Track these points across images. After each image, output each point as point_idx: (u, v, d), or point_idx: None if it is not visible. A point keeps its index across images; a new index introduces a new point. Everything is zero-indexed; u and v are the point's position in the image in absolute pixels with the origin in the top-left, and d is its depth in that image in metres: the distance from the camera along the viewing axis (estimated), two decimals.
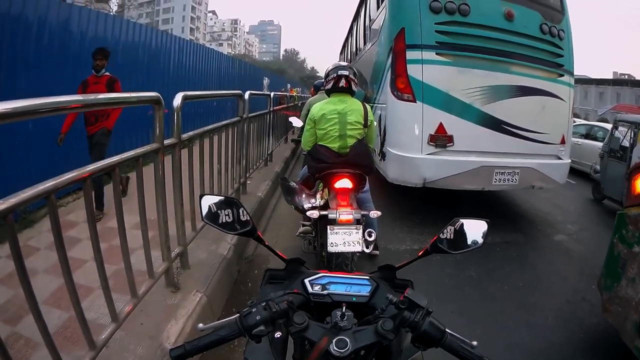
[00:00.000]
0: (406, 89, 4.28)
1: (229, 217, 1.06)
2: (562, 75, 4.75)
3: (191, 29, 67.39)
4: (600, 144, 7.65)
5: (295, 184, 2.90)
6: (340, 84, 2.93)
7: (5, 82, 3.68)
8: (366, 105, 3.05)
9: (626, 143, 6.07)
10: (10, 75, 3.77)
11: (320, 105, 3.00)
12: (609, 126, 7.79)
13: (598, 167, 6.88)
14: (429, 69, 4.25)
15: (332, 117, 2.91)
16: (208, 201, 1.08)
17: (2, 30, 3.70)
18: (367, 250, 2.48)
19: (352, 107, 2.93)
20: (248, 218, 1.07)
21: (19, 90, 3.74)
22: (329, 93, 3.06)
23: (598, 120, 15.36)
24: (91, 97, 1.61)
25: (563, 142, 4.78)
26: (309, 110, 3.31)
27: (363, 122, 2.93)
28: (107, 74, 3.93)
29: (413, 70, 4.26)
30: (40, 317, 1.30)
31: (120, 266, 1.93)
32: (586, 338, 2.67)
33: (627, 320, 2.17)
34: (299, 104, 10.73)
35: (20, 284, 1.24)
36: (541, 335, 2.63)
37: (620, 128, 6.60)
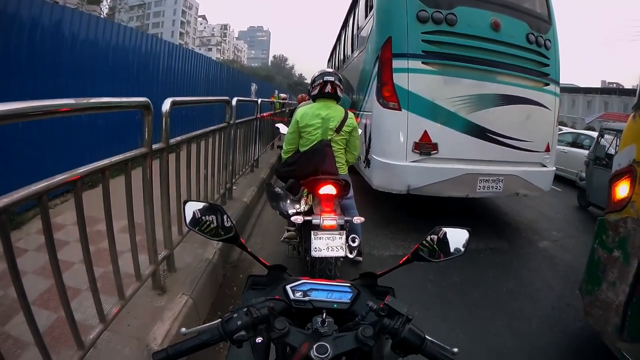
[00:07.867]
0: (392, 97, 4.31)
1: (213, 223, 1.07)
2: (547, 85, 4.80)
3: (181, 34, 67.17)
4: (586, 152, 7.67)
5: (280, 190, 2.93)
6: (327, 90, 3.01)
7: None
8: (349, 113, 3.10)
9: (612, 151, 6.15)
10: (1, 75, 3.70)
11: (305, 110, 3.06)
12: (595, 134, 7.88)
13: (584, 175, 6.95)
14: (415, 78, 4.28)
15: (314, 122, 2.98)
16: (192, 207, 1.09)
17: None
18: (350, 256, 2.49)
19: (335, 113, 3.01)
20: (231, 224, 1.08)
21: (11, 90, 3.69)
22: (314, 99, 3.11)
23: (585, 129, 15.54)
24: (83, 101, 1.62)
25: (548, 150, 4.83)
26: None
27: (337, 127, 2.99)
28: None
29: (399, 79, 4.30)
30: (32, 316, 1.32)
31: (108, 268, 1.96)
32: (570, 343, 2.71)
33: (608, 323, 2.22)
34: (286, 111, 10.69)
35: (13, 284, 1.26)
36: (525, 341, 2.66)
37: (606, 136, 6.71)
